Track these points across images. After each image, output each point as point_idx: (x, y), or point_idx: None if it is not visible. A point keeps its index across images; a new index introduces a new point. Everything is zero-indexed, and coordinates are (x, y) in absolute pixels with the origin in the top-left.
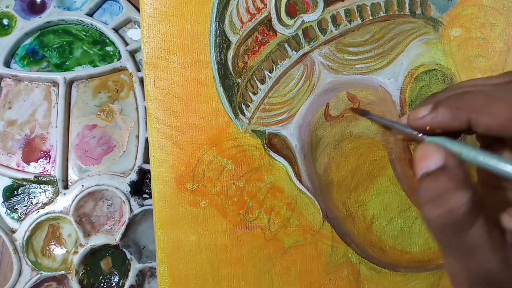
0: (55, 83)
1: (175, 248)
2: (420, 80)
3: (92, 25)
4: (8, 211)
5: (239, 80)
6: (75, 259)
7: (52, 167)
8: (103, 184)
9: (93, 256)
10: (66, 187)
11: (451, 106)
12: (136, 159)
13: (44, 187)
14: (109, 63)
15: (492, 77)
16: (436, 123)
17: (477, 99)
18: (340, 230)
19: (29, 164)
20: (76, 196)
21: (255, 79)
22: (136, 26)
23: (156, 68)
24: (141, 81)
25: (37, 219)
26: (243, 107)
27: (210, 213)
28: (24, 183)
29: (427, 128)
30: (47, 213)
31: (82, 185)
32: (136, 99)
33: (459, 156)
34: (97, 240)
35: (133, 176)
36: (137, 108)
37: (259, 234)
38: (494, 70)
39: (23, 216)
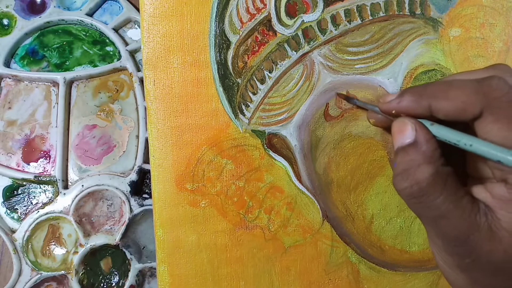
0: (55, 83)
1: (175, 248)
2: (419, 80)
3: (92, 25)
4: (8, 211)
5: (239, 80)
6: (75, 259)
7: (52, 167)
8: (103, 184)
9: (93, 256)
10: (66, 187)
11: (415, 93)
12: (136, 159)
13: (44, 187)
14: (109, 63)
15: (477, 70)
16: (401, 107)
17: (437, 87)
18: (339, 230)
19: (29, 164)
20: (76, 196)
21: (255, 79)
22: (136, 26)
23: (156, 68)
24: (141, 81)
25: (37, 219)
26: (243, 107)
27: (210, 213)
28: (24, 183)
29: (393, 112)
30: (47, 213)
31: (82, 185)
32: (136, 99)
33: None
34: (97, 240)
35: (133, 176)
36: (137, 108)
37: (259, 234)
38: None
39: (23, 216)
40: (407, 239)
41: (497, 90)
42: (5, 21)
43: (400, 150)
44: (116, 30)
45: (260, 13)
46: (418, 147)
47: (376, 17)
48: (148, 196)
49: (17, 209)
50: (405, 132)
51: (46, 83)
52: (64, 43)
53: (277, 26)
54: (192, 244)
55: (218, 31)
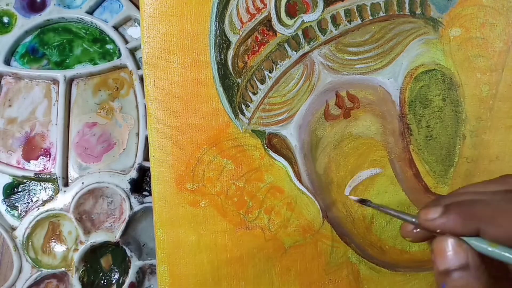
0: (55, 81)
1: (175, 248)
2: (419, 80)
3: (92, 23)
4: (9, 209)
5: (239, 80)
6: (75, 256)
7: (52, 164)
8: (103, 182)
9: (93, 254)
10: (66, 184)
11: (462, 215)
12: (136, 157)
13: (44, 184)
14: (109, 61)
15: (490, 183)
16: (447, 228)
17: (487, 210)
18: (339, 230)
19: (29, 162)
20: (76, 193)
21: (255, 79)
22: (136, 24)
23: (156, 68)
24: (141, 79)
25: (37, 216)
26: (243, 107)
27: (210, 213)
28: (24, 180)
29: (437, 231)
30: (47, 211)
31: (82, 183)
32: (136, 97)
33: (479, 251)
34: (97, 237)
35: (133, 174)
36: (137, 106)
37: (259, 234)
38: (494, 70)
39: (23, 214)
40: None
41: None
42: (5, 19)
43: (452, 271)
44: (116, 28)
45: (260, 13)
46: (472, 271)
47: (376, 17)
48: (148, 194)
49: (17, 206)
50: (456, 253)
51: (46, 81)
52: (64, 41)
53: (277, 26)
54: (192, 244)
55: (218, 31)
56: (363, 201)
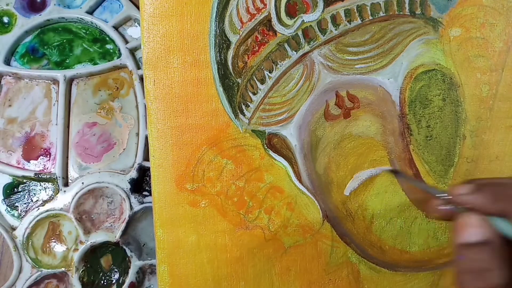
0: (55, 81)
1: (175, 248)
2: (419, 80)
3: (92, 23)
4: (9, 209)
5: (239, 80)
6: (75, 256)
7: (52, 164)
8: (103, 182)
9: (93, 253)
10: (66, 184)
11: (493, 193)
12: (136, 157)
13: (44, 184)
14: (109, 61)
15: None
16: (477, 203)
17: None
18: (339, 230)
19: (29, 162)
20: (76, 193)
21: (255, 79)
22: (136, 24)
23: (156, 68)
24: (141, 78)
25: (37, 216)
26: (243, 107)
27: (210, 213)
28: (24, 180)
29: (467, 205)
30: (47, 211)
31: (82, 183)
32: (136, 97)
33: (502, 232)
34: (97, 237)
35: (133, 174)
36: (137, 106)
37: (259, 234)
38: (494, 70)
39: (23, 214)
40: (407, 239)
41: None
42: (5, 19)
43: (472, 246)
44: (116, 28)
45: (260, 13)
46: (491, 249)
47: (376, 17)
48: (148, 194)
49: (17, 206)
50: (475, 229)
51: (46, 81)
52: (64, 41)
53: (277, 26)
54: (192, 244)
55: (218, 31)
56: (395, 172)
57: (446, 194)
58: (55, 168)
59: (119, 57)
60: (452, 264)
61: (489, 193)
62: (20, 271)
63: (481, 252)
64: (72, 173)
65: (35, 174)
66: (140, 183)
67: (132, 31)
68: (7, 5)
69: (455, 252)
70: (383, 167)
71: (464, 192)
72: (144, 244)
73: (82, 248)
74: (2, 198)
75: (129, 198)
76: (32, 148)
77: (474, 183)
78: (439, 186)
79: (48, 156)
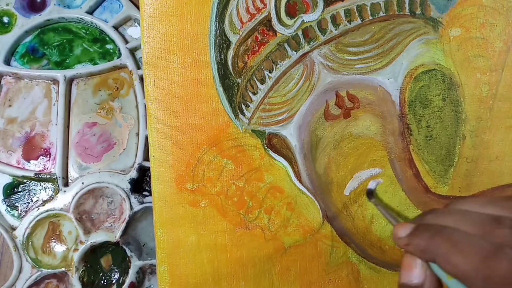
0: (55, 81)
1: (175, 248)
2: (419, 80)
3: (92, 23)
4: (9, 209)
5: (239, 80)
6: (75, 256)
7: (52, 164)
8: (103, 182)
9: (93, 253)
10: (66, 184)
11: (422, 243)
12: (136, 157)
13: (44, 184)
14: (109, 61)
15: (483, 196)
16: (409, 250)
17: (444, 245)
18: (339, 230)
19: (29, 162)
20: (76, 193)
21: (255, 79)
22: (136, 24)
23: (156, 68)
24: (141, 78)
25: (37, 216)
26: (243, 107)
27: (210, 213)
28: (25, 180)
29: (404, 249)
30: (47, 211)
31: (82, 183)
32: (136, 96)
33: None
34: (97, 237)
35: (133, 174)
36: (137, 106)
37: (259, 234)
38: (494, 70)
39: (24, 214)
40: None
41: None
42: (5, 19)
43: (405, 287)
44: (116, 28)
45: (260, 13)
46: None
47: (376, 17)
48: (148, 194)
49: (17, 206)
50: (414, 271)
51: (46, 81)
52: (64, 41)
53: (277, 26)
54: (192, 244)
55: (218, 31)
56: (369, 194)
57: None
58: (55, 168)
59: (119, 57)
60: None
61: (420, 241)
62: (20, 271)
63: None
64: (72, 173)
65: (35, 174)
66: (140, 183)
67: (132, 31)
68: (7, 5)
69: None
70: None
71: (401, 235)
72: (144, 244)
73: (82, 248)
74: (2, 198)
75: (129, 198)
76: (32, 148)
77: (413, 224)
78: (439, 186)
79: (48, 156)
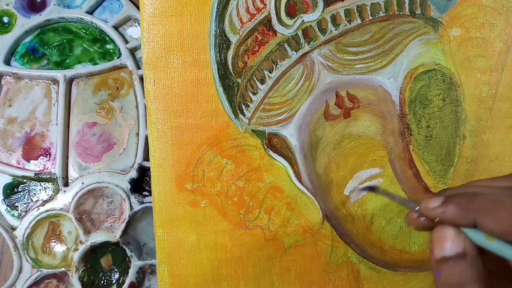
0: (55, 81)
1: (175, 248)
2: (419, 80)
3: (92, 23)
4: (9, 209)
5: (239, 80)
6: (75, 256)
7: (52, 164)
8: (103, 182)
9: (93, 253)
10: (66, 184)
11: (461, 205)
12: (136, 157)
13: (44, 184)
14: (109, 61)
15: (499, 179)
16: (445, 217)
17: (485, 203)
18: (339, 230)
19: (29, 162)
20: (76, 193)
21: (255, 79)
22: (136, 24)
23: (156, 68)
24: (141, 79)
25: (37, 216)
26: (243, 107)
27: (210, 213)
28: (24, 180)
29: (436, 220)
30: (47, 211)
31: (82, 183)
32: (136, 97)
33: (476, 242)
34: (97, 237)
35: (133, 174)
36: (137, 106)
37: (259, 234)
38: (494, 70)
39: (23, 214)
40: (407, 239)
41: None
42: (5, 19)
43: (448, 259)
44: (116, 28)
45: (260, 13)
46: (468, 260)
47: (376, 17)
48: (148, 194)
49: (17, 206)
50: (450, 242)
51: (46, 81)
52: (64, 41)
53: (277, 26)
54: (192, 244)
55: (218, 31)
56: (371, 188)
57: (418, 208)
58: (55, 168)
59: (119, 57)
60: (434, 281)
61: (456, 205)
62: (20, 271)
63: (457, 265)
64: (72, 173)
65: (35, 174)
66: (140, 183)
67: (132, 31)
68: (7, 5)
69: (433, 268)
70: (363, 185)
71: (433, 206)
72: (144, 244)
73: (82, 248)
74: (2, 198)
75: (129, 198)
76: (32, 148)
77: (442, 196)
78: (439, 186)
79: (48, 156)
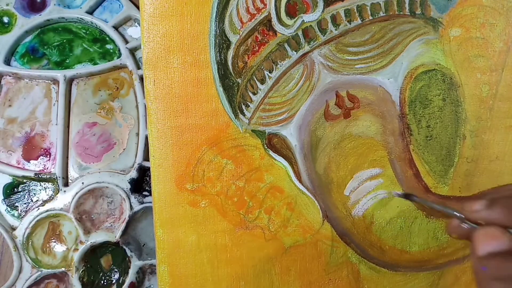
0: (55, 81)
1: (175, 248)
2: (419, 80)
3: (92, 23)
4: (9, 209)
5: (239, 80)
6: (75, 256)
7: (52, 164)
8: (103, 182)
9: (93, 253)
10: (66, 184)
11: (507, 207)
12: (136, 157)
13: (44, 184)
14: (109, 61)
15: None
16: (492, 219)
17: None
18: (339, 230)
19: (29, 162)
20: (76, 193)
21: (255, 79)
22: (136, 24)
23: (156, 68)
24: (141, 78)
25: (37, 216)
26: (243, 107)
27: (210, 213)
28: (25, 180)
29: (482, 222)
30: (47, 211)
31: (82, 183)
32: (136, 96)
33: None
34: (97, 237)
35: (133, 174)
36: (137, 106)
37: (259, 234)
38: (494, 70)
39: (23, 214)
40: (407, 239)
41: None
42: (5, 19)
43: (497, 255)
44: (116, 28)
45: (260, 13)
46: None
47: (376, 17)
48: (148, 194)
49: (17, 206)
50: (499, 239)
51: (46, 81)
52: (64, 41)
53: (277, 26)
54: (192, 244)
55: (218, 31)
56: (407, 196)
57: (460, 214)
58: (55, 168)
59: (119, 57)
60: (475, 274)
61: (502, 207)
62: (20, 271)
63: (506, 260)
64: (72, 173)
65: (35, 174)
66: (140, 183)
67: (132, 31)
68: (7, 5)
69: (476, 264)
70: (396, 191)
71: (478, 208)
72: (144, 244)
73: (82, 248)
74: (2, 198)
75: (129, 198)
76: (32, 148)
77: (486, 199)
78: (439, 186)
79: (48, 156)
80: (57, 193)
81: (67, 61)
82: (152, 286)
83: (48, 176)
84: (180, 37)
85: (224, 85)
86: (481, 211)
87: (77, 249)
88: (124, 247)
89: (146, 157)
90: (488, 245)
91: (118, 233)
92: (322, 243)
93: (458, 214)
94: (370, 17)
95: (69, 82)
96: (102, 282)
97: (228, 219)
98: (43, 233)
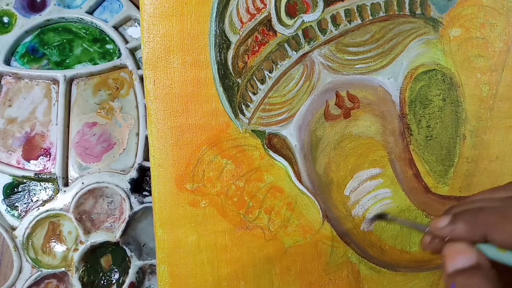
0: (55, 81)
1: (175, 248)
2: (419, 80)
3: (92, 23)
4: (9, 209)
5: (239, 80)
6: (75, 256)
7: (52, 164)
8: (103, 182)
9: (93, 253)
10: (66, 184)
11: (468, 222)
12: (136, 157)
13: (44, 184)
14: (109, 61)
15: (499, 189)
16: (455, 235)
17: (491, 217)
18: (340, 230)
19: (29, 162)
20: (76, 193)
21: (255, 79)
22: (136, 24)
23: (156, 68)
24: (141, 78)
25: (37, 216)
26: (243, 107)
27: (210, 213)
28: (24, 180)
29: (446, 238)
30: (47, 211)
31: (82, 183)
32: (136, 96)
33: (489, 256)
34: (97, 237)
35: (133, 174)
36: (137, 106)
37: (259, 234)
38: (494, 70)
39: (23, 214)
40: (408, 239)
41: None
42: (5, 19)
43: (463, 272)
44: (116, 28)
45: (260, 13)
46: (483, 272)
47: (376, 17)
48: (148, 194)
49: (17, 206)
50: (466, 254)
51: (46, 81)
52: (64, 41)
53: (277, 26)
54: (192, 244)
55: (218, 31)
56: (380, 217)
57: (428, 229)
58: (55, 168)
59: (119, 57)
60: None
61: (464, 221)
62: (20, 271)
63: (473, 276)
64: (72, 173)
65: (35, 174)
66: (140, 183)
67: (132, 31)
68: (7, 5)
69: (446, 281)
70: (368, 215)
71: (442, 225)
72: (144, 244)
73: (82, 248)
74: (2, 198)
75: (129, 198)
76: (32, 148)
77: (450, 214)
78: (440, 186)
79: (48, 156)
80: (57, 193)
81: (67, 61)
82: (152, 286)
83: (48, 176)
84: (180, 37)
85: (224, 85)
86: (445, 228)
87: (77, 249)
88: (124, 247)
89: (146, 157)
90: (455, 261)
91: (118, 233)
92: (322, 243)
93: (426, 230)
94: (370, 17)
95: (69, 82)
96: (102, 282)
97: (228, 219)
98: (43, 233)
